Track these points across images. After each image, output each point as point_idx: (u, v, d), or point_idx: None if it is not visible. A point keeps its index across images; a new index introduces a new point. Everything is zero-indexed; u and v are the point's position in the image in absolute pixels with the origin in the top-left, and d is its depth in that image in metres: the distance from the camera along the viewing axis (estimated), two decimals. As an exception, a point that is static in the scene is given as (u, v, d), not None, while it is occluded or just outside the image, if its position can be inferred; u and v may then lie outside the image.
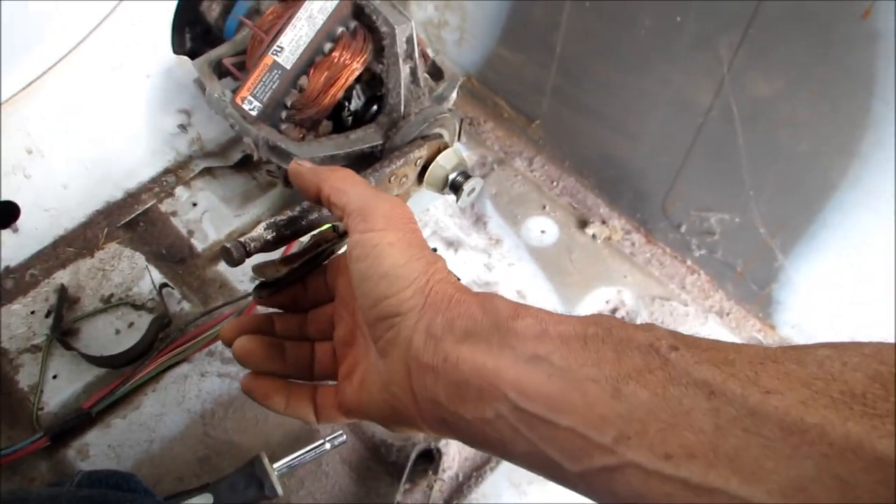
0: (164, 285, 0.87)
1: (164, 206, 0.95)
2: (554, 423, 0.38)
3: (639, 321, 0.86)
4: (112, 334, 0.84)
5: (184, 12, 0.88)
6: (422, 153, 0.76)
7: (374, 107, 0.81)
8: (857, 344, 0.33)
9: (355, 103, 0.81)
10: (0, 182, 0.85)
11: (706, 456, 0.32)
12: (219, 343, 0.83)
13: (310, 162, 0.55)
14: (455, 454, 0.80)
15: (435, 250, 0.60)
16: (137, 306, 0.86)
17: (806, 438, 0.30)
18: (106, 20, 0.85)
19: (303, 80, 0.76)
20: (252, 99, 0.76)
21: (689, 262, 0.98)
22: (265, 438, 0.79)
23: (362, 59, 0.77)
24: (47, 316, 0.84)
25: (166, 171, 0.96)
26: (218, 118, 0.91)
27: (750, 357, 0.34)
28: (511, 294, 0.93)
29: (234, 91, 0.77)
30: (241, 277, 0.90)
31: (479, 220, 0.99)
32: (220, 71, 0.81)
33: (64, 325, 0.83)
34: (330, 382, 0.57)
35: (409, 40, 0.76)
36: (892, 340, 0.33)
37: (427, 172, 0.78)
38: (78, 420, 0.77)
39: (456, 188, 0.78)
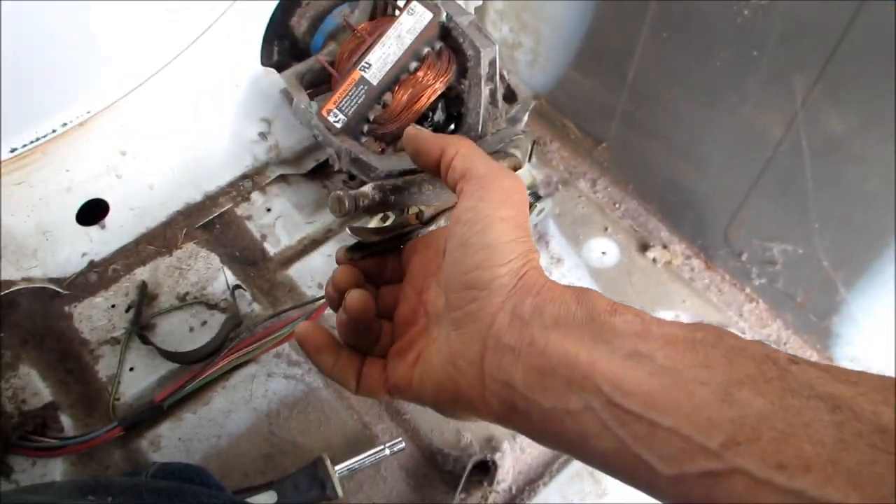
0: (237, 286, 0.89)
1: (240, 210, 0.97)
2: (653, 422, 0.36)
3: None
4: (186, 331, 0.86)
5: (274, 26, 0.92)
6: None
7: (453, 125, 0.84)
8: None
9: (436, 119, 0.83)
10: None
11: (824, 469, 0.30)
12: (286, 345, 0.85)
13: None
14: (510, 467, 0.81)
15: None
16: (211, 305, 0.88)
17: None
18: (205, 33, 0.88)
19: (387, 97, 0.79)
20: (337, 112, 0.78)
21: (748, 290, 0.98)
22: (326, 441, 0.81)
23: (445, 80, 0.79)
24: (127, 310, 0.87)
25: (244, 177, 0.99)
26: (295, 127, 0.94)
27: (874, 382, 0.33)
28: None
29: (320, 103, 0.80)
30: (310, 283, 0.93)
31: (541, 239, 1.01)
32: (307, 83, 0.84)
33: (142, 321, 0.85)
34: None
35: (492, 63, 0.78)
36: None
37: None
38: (150, 412, 0.79)
39: (526, 208, 0.80)
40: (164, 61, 0.87)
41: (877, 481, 0.29)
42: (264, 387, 0.84)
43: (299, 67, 0.84)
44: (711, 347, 0.37)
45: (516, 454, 0.82)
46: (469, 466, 0.80)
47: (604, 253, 1.01)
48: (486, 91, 0.79)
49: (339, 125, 0.79)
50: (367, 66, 0.77)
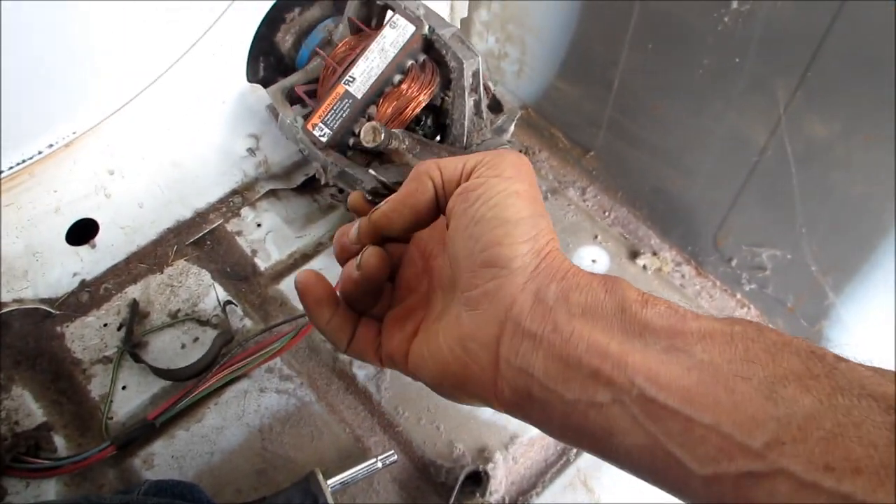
0: (228, 302, 0.89)
1: (231, 226, 0.98)
2: (689, 419, 0.34)
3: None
4: (178, 348, 0.86)
5: (259, 42, 0.92)
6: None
7: (438, 136, 0.84)
8: None
9: (422, 132, 0.84)
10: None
11: (876, 472, 0.28)
12: (278, 360, 0.85)
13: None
14: (502, 477, 0.81)
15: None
16: (202, 322, 0.88)
17: None
18: (190, 50, 0.89)
19: (371, 110, 0.79)
20: (322, 126, 0.79)
21: (738, 296, 0.99)
22: (319, 455, 0.81)
23: (429, 92, 0.79)
24: (119, 329, 0.87)
25: (233, 192, 0.99)
26: (284, 142, 0.94)
27: None
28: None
29: (306, 118, 0.80)
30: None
31: (531, 248, 1.01)
32: (292, 98, 0.84)
33: (134, 339, 0.85)
34: None
35: (476, 74, 0.78)
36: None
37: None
38: (143, 430, 0.79)
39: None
40: (150, 80, 0.88)
41: None
42: (256, 402, 0.84)
43: (285, 83, 0.84)
44: (752, 342, 0.36)
45: (509, 465, 0.82)
46: (461, 477, 0.80)
47: (594, 261, 1.01)
48: (470, 102, 0.79)
49: (324, 139, 0.79)
50: (351, 79, 0.78)
